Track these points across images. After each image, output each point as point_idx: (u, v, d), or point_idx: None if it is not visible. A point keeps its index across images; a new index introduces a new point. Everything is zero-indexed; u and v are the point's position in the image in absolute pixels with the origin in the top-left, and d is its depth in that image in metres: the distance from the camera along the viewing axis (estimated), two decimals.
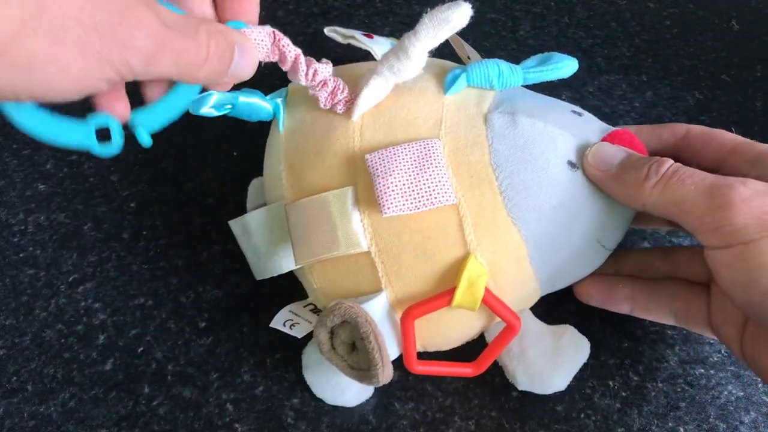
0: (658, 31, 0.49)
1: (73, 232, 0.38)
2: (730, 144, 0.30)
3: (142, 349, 0.34)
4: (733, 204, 0.24)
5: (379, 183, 0.27)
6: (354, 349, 0.29)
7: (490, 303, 0.28)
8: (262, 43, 0.27)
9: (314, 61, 0.28)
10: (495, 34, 0.48)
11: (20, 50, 0.20)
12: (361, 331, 0.28)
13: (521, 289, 0.30)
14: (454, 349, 0.32)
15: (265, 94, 0.31)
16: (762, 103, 0.45)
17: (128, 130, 0.26)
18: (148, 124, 0.26)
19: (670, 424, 0.32)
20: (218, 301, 0.36)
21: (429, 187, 0.27)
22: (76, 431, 0.32)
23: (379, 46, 0.33)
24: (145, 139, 0.26)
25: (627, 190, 0.27)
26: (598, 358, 0.34)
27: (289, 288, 0.33)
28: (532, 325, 0.31)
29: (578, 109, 0.31)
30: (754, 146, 0.29)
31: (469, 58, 0.33)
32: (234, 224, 0.34)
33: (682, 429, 0.32)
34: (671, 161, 0.27)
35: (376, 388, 0.32)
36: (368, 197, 0.28)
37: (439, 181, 0.27)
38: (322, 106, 0.29)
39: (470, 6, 0.27)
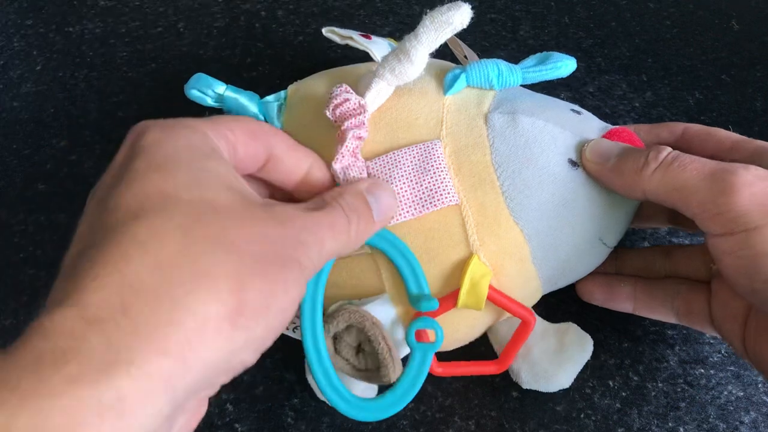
0: (658, 31, 0.49)
1: (73, 232, 0.38)
2: (727, 141, 0.30)
3: None
4: (735, 189, 0.24)
5: None
6: (359, 351, 0.29)
7: (498, 300, 0.28)
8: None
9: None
10: (495, 34, 0.48)
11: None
12: (368, 335, 0.28)
13: (524, 288, 0.30)
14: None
15: (265, 94, 0.31)
16: (762, 103, 0.45)
17: None
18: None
19: (670, 424, 0.32)
20: None
21: (431, 189, 0.27)
22: None
23: (377, 47, 0.33)
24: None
25: (626, 178, 0.27)
26: (598, 358, 0.33)
27: None
28: (535, 323, 0.31)
29: (577, 107, 0.31)
30: (751, 143, 0.29)
31: (466, 57, 0.32)
32: None
33: (682, 429, 0.32)
34: (670, 149, 0.27)
35: (378, 387, 0.32)
36: None
37: (441, 183, 0.27)
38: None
39: (470, 6, 0.27)
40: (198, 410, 0.20)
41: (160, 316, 0.17)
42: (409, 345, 0.28)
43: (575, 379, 0.31)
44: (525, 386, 0.31)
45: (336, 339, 0.29)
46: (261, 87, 0.31)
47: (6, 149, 0.42)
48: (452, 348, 0.32)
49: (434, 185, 0.27)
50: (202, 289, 0.18)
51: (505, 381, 0.32)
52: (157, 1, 0.51)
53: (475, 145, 0.28)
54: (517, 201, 0.28)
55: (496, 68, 0.29)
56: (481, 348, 0.32)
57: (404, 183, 0.27)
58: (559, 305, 0.33)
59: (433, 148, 0.28)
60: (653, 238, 0.38)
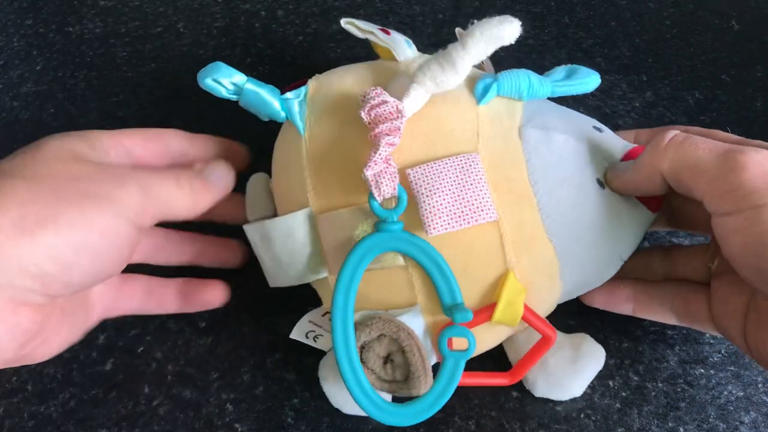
0: (658, 31, 0.49)
1: None
2: (726, 142, 0.30)
3: (142, 349, 0.34)
4: (746, 167, 0.24)
5: (425, 203, 0.26)
6: (386, 362, 0.29)
7: (529, 320, 0.29)
8: None
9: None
10: None
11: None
12: (403, 345, 0.27)
13: (547, 301, 0.30)
14: None
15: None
16: (762, 103, 0.45)
17: None
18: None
19: (670, 424, 0.32)
20: None
21: (472, 203, 0.27)
22: (76, 431, 0.32)
23: (397, 44, 0.32)
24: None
25: (644, 169, 0.28)
26: None
27: (289, 288, 0.33)
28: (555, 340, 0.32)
29: (598, 124, 0.31)
30: (750, 143, 0.29)
31: (482, 63, 0.32)
32: (252, 231, 0.32)
33: (682, 429, 0.32)
34: (677, 131, 0.27)
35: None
36: (409, 211, 0.27)
37: (482, 197, 0.27)
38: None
39: (519, 23, 0.27)
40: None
41: None
42: (441, 353, 0.28)
43: None
44: (538, 395, 0.32)
45: (363, 349, 0.29)
46: (270, 81, 0.30)
47: (6, 149, 0.41)
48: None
49: (475, 200, 0.27)
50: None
51: None
52: (157, 1, 0.51)
53: (512, 160, 0.28)
54: (552, 219, 0.28)
55: (527, 80, 0.29)
56: (485, 351, 0.32)
57: (445, 195, 0.26)
58: (559, 306, 0.33)
59: (473, 161, 0.27)
60: (653, 239, 0.38)
